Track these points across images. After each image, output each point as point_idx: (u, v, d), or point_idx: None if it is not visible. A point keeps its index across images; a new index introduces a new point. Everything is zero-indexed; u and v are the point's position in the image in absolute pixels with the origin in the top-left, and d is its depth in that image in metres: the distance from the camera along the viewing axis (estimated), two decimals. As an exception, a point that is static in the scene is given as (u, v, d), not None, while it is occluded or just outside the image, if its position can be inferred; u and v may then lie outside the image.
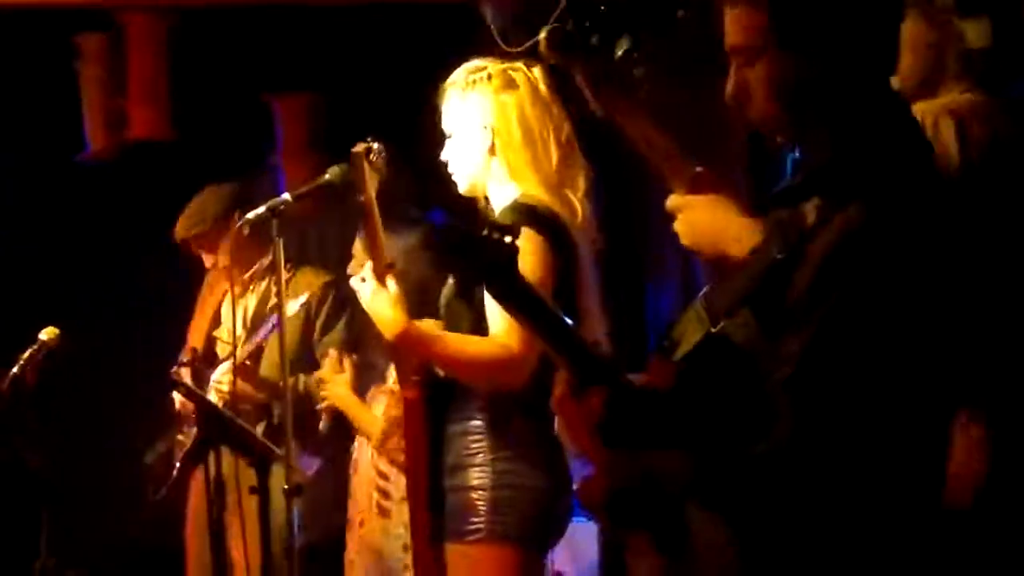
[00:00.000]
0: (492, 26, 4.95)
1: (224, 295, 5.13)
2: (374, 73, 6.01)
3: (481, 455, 3.39)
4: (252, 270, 5.07)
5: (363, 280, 3.48)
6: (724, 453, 2.14)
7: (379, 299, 3.43)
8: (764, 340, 2.15)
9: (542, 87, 3.51)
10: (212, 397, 4.72)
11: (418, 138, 3.76)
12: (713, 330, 2.21)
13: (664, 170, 2.54)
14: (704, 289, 2.35)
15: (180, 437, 4.97)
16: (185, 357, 4.93)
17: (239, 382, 4.63)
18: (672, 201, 2.54)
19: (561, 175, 3.49)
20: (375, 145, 3.50)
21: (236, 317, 4.80)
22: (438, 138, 3.60)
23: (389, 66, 5.92)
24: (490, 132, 3.49)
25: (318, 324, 4.98)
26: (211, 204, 5.06)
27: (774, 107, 2.24)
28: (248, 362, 4.78)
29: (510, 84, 3.51)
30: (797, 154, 2.34)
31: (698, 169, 2.54)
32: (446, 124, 3.56)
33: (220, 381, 4.79)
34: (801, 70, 2.20)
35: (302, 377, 4.82)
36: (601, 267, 3.57)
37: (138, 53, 6.04)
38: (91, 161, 6.20)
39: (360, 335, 4.80)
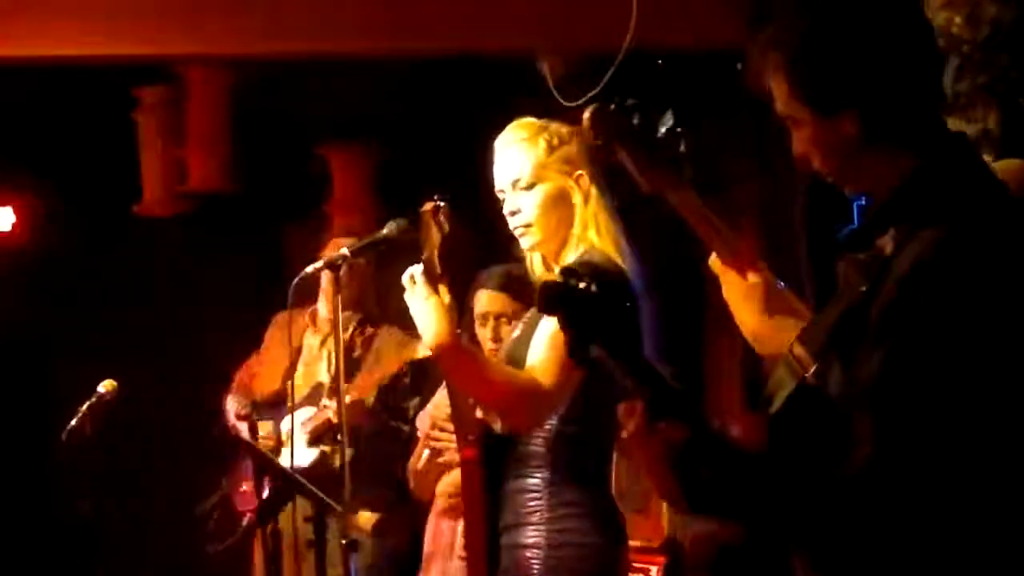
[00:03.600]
0: (548, 81, 4.98)
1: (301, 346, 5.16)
2: (423, 125, 6.05)
3: (538, 514, 3.36)
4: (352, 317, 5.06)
5: (412, 280, 3.33)
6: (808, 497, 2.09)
7: (429, 304, 3.28)
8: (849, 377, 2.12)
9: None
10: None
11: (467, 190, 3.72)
12: (806, 376, 2.18)
13: (710, 241, 2.57)
14: (797, 334, 2.34)
15: (242, 488, 5.00)
16: (244, 410, 4.94)
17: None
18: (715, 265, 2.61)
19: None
20: (442, 203, 3.34)
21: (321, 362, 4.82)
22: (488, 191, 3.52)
23: (438, 119, 5.96)
24: (584, 183, 3.41)
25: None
26: None
27: (830, 166, 2.25)
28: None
29: (575, 137, 3.45)
30: (864, 201, 2.34)
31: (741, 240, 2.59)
32: (517, 178, 3.43)
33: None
34: (842, 129, 2.20)
35: None
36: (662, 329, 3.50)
37: (198, 105, 6.11)
38: (149, 212, 6.25)
39: None
